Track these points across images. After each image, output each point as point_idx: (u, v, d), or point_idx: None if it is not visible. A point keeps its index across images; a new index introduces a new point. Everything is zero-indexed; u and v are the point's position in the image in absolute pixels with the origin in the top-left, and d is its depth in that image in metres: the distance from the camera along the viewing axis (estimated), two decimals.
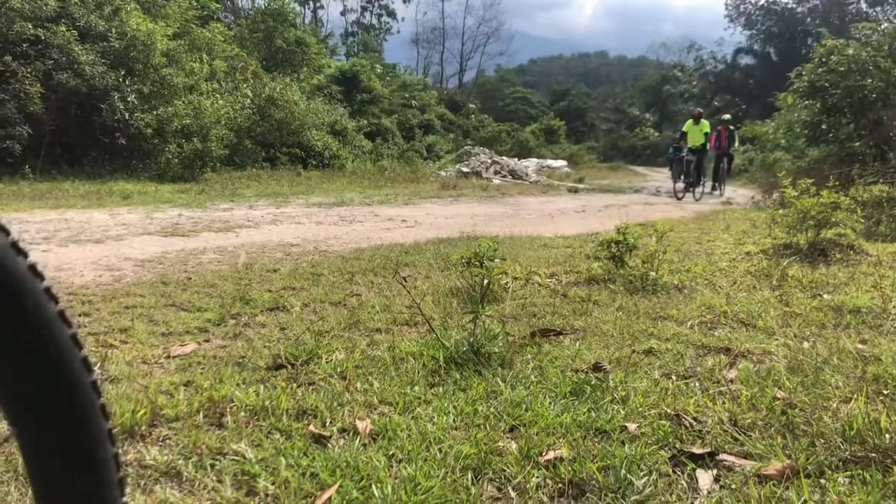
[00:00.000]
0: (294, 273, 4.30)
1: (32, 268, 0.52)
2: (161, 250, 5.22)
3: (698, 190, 15.63)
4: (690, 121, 16.10)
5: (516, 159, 31.20)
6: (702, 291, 4.07)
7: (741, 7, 52.43)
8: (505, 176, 19.46)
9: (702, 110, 16.43)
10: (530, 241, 6.31)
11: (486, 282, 2.79)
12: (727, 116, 17.86)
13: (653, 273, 4.24)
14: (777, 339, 2.98)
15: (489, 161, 20.72)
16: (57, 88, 11.55)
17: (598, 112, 66.31)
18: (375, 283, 4.14)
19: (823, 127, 12.22)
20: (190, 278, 4.05)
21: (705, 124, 15.76)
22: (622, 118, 60.25)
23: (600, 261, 4.72)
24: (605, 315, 3.44)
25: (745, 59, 54.70)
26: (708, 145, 15.84)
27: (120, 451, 0.63)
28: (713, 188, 17.15)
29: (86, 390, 0.57)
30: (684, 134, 16.08)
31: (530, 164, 29.74)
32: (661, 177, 26.30)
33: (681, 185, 15.50)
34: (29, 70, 11.11)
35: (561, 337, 3.01)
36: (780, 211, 6.19)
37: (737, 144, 17.13)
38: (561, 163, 34.29)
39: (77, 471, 0.59)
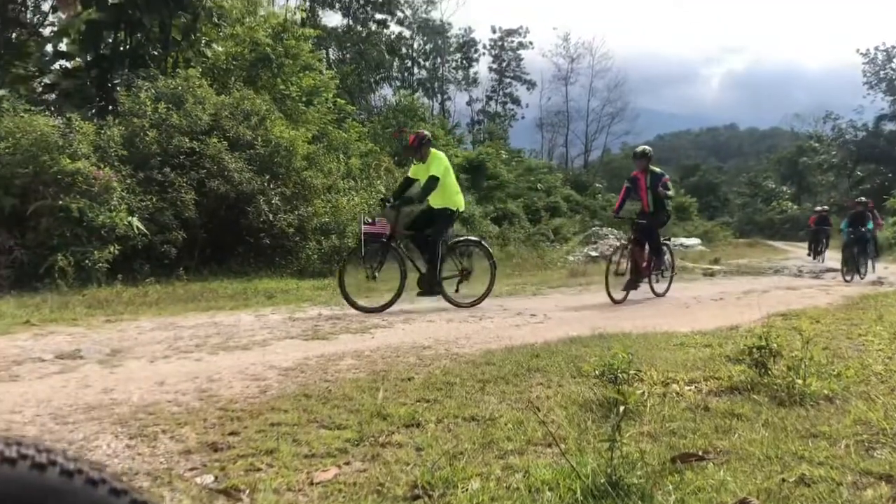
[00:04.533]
0: (427, 382, 4.38)
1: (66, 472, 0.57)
2: (302, 356, 5.47)
3: (452, 293, 9.01)
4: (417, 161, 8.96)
5: None
6: (855, 402, 3.81)
7: (881, 73, 50.15)
8: None
9: (427, 134, 9.06)
10: (666, 340, 6.13)
11: (622, 408, 2.74)
12: (644, 148, 10.64)
13: (799, 381, 4.02)
14: None
15: (618, 244, 20.43)
16: (208, 194, 12.52)
17: (730, 186, 64.53)
18: (507, 393, 4.14)
19: None
20: (330, 390, 4.20)
21: (439, 159, 8.79)
22: (757, 192, 58.24)
23: (743, 363, 4.54)
24: (751, 433, 3.28)
25: (889, 126, 51.80)
26: (443, 203, 8.77)
27: None
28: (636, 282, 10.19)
29: None
30: (409, 182, 9.19)
31: None
32: (802, 253, 25.03)
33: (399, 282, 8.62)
34: (185, 179, 12.14)
35: (703, 462, 2.89)
36: None
37: (671, 192, 10.41)
38: (694, 241, 33.41)
39: None
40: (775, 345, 4.29)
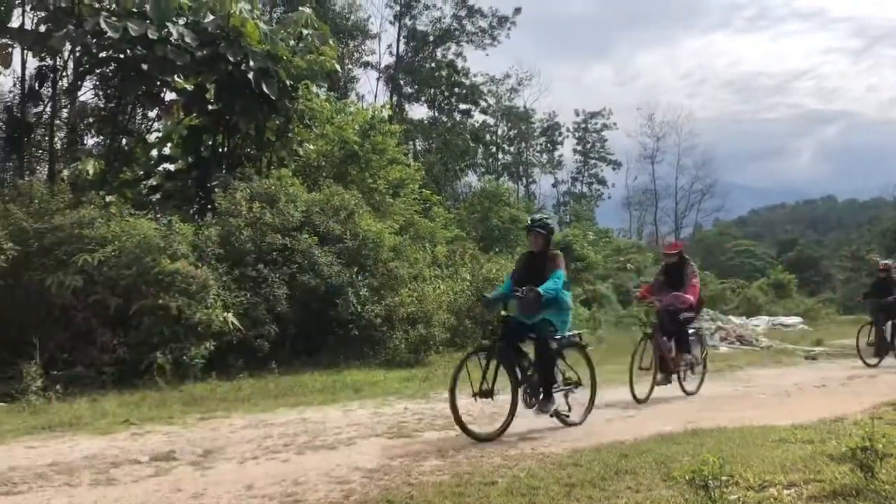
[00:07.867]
0: (511, 487, 4.29)
1: None
2: (387, 456, 5.48)
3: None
4: None
5: (744, 318, 29.52)
6: None
7: None
8: (732, 342, 18.44)
9: None
10: (763, 435, 5.84)
11: None
12: None
13: None
14: None
15: (714, 327, 19.79)
16: (299, 288, 12.89)
17: (832, 261, 61.79)
18: (594, 499, 4.01)
19: None
20: (412, 495, 4.17)
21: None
22: (861, 265, 55.38)
23: (847, 463, 4.27)
24: None
25: None
26: None
27: None
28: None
29: None
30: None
31: (760, 323, 28.02)
32: None
33: None
34: (277, 275, 12.57)
35: None
36: None
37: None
38: (795, 319, 31.92)
39: None
40: (881, 445, 4.02)
